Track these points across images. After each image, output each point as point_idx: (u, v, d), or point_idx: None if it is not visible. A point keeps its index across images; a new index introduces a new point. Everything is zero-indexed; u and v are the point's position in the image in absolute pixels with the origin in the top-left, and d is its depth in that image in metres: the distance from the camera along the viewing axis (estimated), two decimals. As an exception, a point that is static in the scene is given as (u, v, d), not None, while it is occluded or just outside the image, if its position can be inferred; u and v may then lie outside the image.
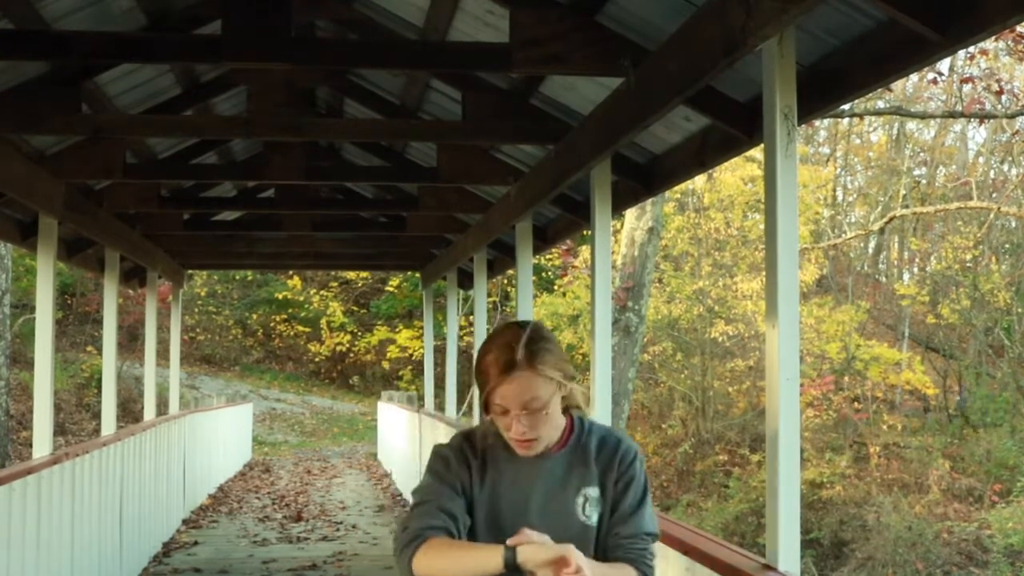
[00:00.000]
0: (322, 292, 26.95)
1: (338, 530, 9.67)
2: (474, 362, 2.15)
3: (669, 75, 3.51)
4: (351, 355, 26.80)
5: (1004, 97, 15.96)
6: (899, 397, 23.50)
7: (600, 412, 4.69)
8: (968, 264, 22.83)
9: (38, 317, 6.16)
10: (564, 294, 21.07)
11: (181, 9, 5.16)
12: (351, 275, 26.08)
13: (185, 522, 9.94)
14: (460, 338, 16.62)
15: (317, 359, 27.01)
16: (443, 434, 8.96)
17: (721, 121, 4.08)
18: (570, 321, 19.94)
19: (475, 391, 8.67)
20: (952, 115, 17.94)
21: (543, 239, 7.68)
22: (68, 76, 4.97)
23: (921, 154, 29.08)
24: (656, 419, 21.73)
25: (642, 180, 5.45)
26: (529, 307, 6.69)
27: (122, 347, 16.14)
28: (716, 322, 21.14)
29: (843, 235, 23.31)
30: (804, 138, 25.75)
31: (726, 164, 16.39)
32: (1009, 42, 14.62)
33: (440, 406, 13.30)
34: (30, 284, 17.10)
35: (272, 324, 27.18)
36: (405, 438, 12.70)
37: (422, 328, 17.17)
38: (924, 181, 27.95)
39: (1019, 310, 21.56)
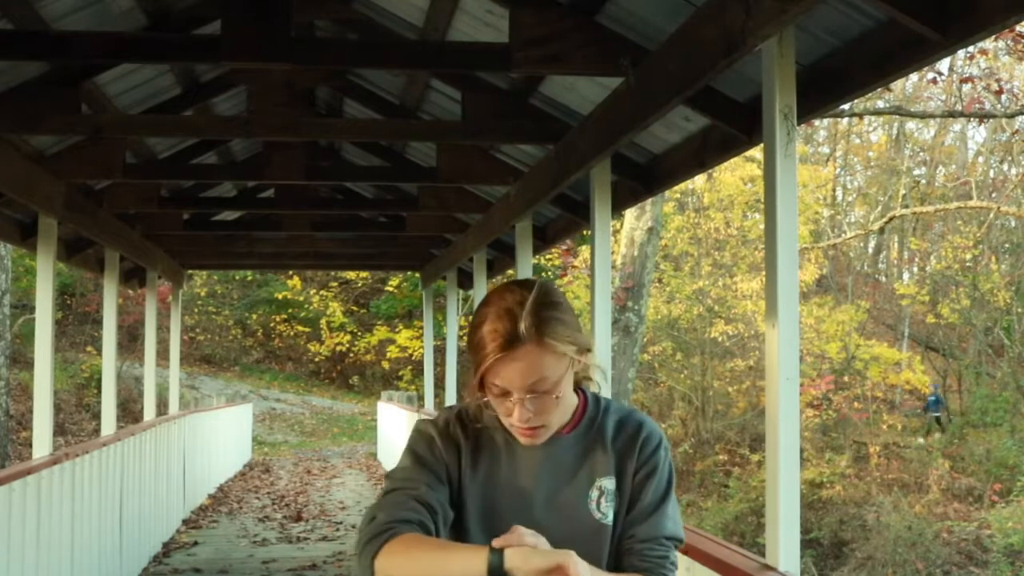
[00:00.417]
0: (322, 292, 26.97)
1: (338, 530, 9.67)
2: (468, 334, 1.75)
3: (669, 75, 3.51)
4: (351, 355, 26.81)
5: (1004, 97, 15.98)
6: (899, 397, 23.51)
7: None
8: (968, 264, 22.84)
9: (38, 317, 6.16)
10: (564, 294, 21.08)
11: (181, 9, 5.16)
12: (351, 275, 26.10)
13: (185, 522, 9.94)
14: (460, 338, 16.63)
15: (317, 359, 27.01)
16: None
17: (721, 121, 4.08)
18: (570, 321, 19.91)
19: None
20: (952, 115, 17.95)
21: (543, 239, 7.68)
22: (68, 76, 4.97)
23: (921, 154, 29.11)
24: (656, 419, 21.64)
25: (642, 180, 5.45)
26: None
27: (122, 347, 16.15)
28: (716, 322, 21.16)
29: (843, 235, 23.32)
30: (804, 138, 25.75)
31: (726, 164, 16.40)
32: (1009, 42, 14.62)
33: (440, 406, 13.30)
34: (30, 284, 17.11)
35: (272, 324, 27.19)
36: (405, 438, 12.69)
37: (422, 328, 17.19)
38: (924, 181, 27.96)
39: (1019, 310, 21.57)
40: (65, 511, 5.60)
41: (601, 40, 3.95)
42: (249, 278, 26.32)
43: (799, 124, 3.13)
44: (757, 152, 11.31)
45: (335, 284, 27.28)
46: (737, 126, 4.03)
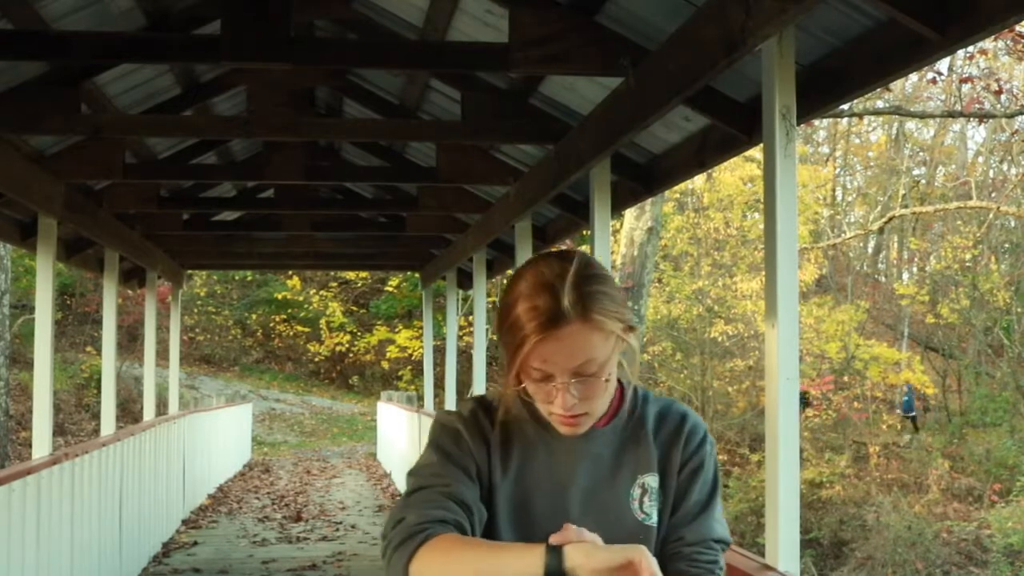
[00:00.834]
0: (322, 292, 26.97)
1: (337, 530, 9.67)
2: (498, 312, 1.55)
3: (669, 75, 3.51)
4: (351, 355, 26.81)
5: (1003, 96, 15.98)
6: (899, 397, 23.52)
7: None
8: (967, 264, 22.86)
9: (37, 317, 6.16)
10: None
11: (181, 9, 5.16)
12: (351, 275, 26.10)
13: (185, 522, 9.94)
14: (459, 338, 16.64)
15: (317, 359, 27.02)
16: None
17: (720, 121, 4.08)
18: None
19: (475, 390, 8.69)
20: (951, 115, 17.96)
21: (543, 239, 7.68)
22: (68, 76, 4.97)
23: (920, 154, 29.12)
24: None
25: (641, 180, 5.45)
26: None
27: (121, 347, 16.16)
28: (715, 322, 21.17)
29: (842, 235, 23.33)
30: (803, 138, 25.76)
31: (725, 164, 16.40)
32: (1008, 41, 14.63)
33: (440, 406, 13.30)
34: (29, 284, 17.11)
35: (272, 324, 27.19)
36: (404, 438, 12.70)
37: (421, 328, 17.19)
38: (923, 181, 27.98)
39: (1018, 310, 21.58)
40: (65, 511, 5.60)
41: (601, 40, 3.95)
42: (249, 278, 26.32)
43: (799, 124, 3.13)
44: (757, 152, 11.32)
45: (335, 284, 27.29)
46: (737, 126, 4.03)
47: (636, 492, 1.60)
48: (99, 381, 12.83)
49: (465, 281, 10.97)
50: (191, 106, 6.49)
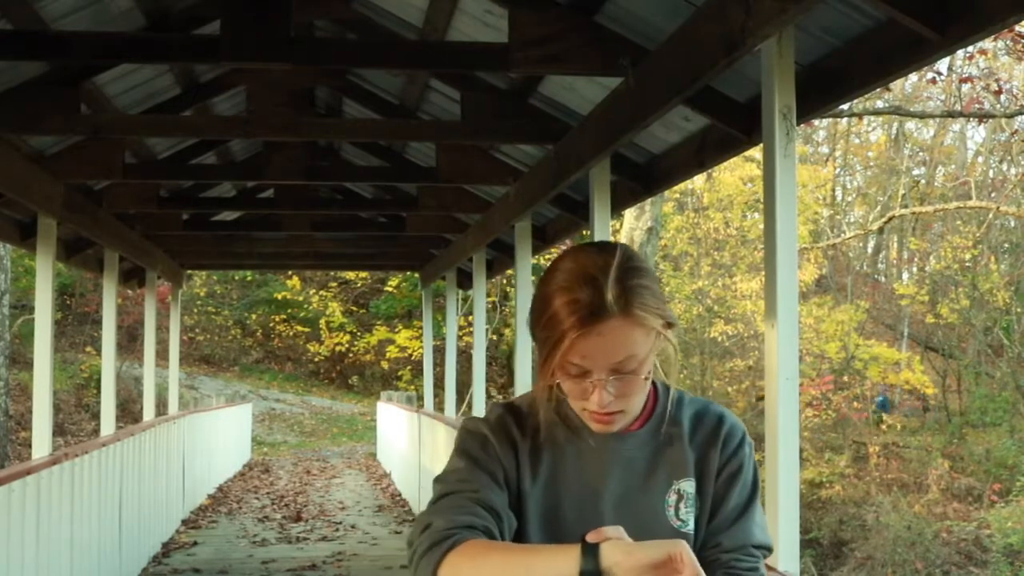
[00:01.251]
0: (321, 292, 26.96)
1: (337, 530, 9.67)
2: (533, 305, 1.49)
3: (668, 75, 3.51)
4: (350, 355, 26.80)
5: (1003, 96, 15.99)
6: (898, 397, 23.52)
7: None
8: (967, 264, 22.84)
9: (37, 317, 6.16)
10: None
11: (181, 9, 5.16)
12: (350, 275, 26.09)
13: (184, 522, 9.94)
14: (459, 338, 16.64)
15: (316, 359, 27.01)
16: (443, 434, 8.95)
17: (720, 121, 4.08)
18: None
19: (474, 390, 8.71)
20: (951, 114, 17.97)
21: (542, 239, 7.68)
22: (67, 76, 4.97)
23: (920, 154, 29.11)
24: (655, 419, 21.76)
25: (641, 180, 5.45)
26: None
27: (121, 347, 16.15)
28: (715, 322, 21.17)
29: (842, 235, 23.33)
30: (803, 138, 25.77)
31: (725, 164, 16.39)
32: (1008, 41, 14.63)
33: (439, 406, 13.30)
34: (29, 284, 17.10)
35: (271, 324, 27.18)
36: (404, 438, 12.70)
37: (421, 328, 17.18)
38: (923, 181, 27.97)
39: (1018, 310, 21.57)
40: (64, 511, 5.60)
41: (601, 40, 3.95)
42: (248, 278, 26.31)
43: (799, 124, 3.13)
44: (756, 152, 11.31)
45: (334, 284, 27.28)
46: (737, 126, 4.03)
47: (672, 498, 1.55)
48: (99, 381, 12.83)
49: (465, 281, 10.97)
50: (191, 106, 6.49)
